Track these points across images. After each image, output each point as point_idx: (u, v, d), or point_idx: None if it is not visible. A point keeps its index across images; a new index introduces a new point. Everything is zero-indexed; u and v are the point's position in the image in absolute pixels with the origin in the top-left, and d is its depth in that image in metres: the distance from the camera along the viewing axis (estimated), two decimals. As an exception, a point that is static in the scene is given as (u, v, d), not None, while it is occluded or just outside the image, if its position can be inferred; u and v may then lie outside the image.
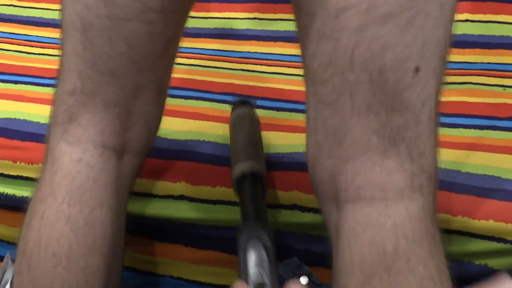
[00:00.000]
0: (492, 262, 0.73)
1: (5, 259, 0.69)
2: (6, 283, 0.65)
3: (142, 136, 0.68)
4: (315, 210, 0.76)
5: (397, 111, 0.54)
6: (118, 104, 0.64)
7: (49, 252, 0.60)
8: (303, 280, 0.69)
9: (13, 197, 0.84)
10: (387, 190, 0.56)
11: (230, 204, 0.79)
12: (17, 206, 0.83)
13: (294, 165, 0.81)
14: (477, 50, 1.09)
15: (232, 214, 0.78)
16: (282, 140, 0.86)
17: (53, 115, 0.65)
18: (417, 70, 0.53)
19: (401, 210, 0.55)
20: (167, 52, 0.65)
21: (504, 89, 0.99)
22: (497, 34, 1.11)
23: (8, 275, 0.66)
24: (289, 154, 0.83)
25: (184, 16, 0.65)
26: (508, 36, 1.10)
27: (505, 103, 0.95)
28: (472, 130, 0.88)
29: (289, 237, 0.78)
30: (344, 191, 0.57)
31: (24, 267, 0.61)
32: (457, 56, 1.05)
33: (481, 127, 0.89)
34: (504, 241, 0.72)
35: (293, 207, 0.78)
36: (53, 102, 0.66)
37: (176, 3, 0.60)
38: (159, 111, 0.71)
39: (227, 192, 0.78)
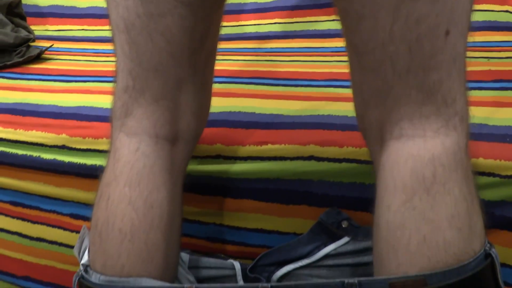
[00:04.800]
0: (484, 194, 0.69)
1: (82, 230, 0.68)
2: (85, 249, 0.65)
3: (191, 125, 0.65)
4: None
5: (432, 69, 0.53)
6: (165, 97, 0.61)
7: (116, 229, 0.59)
8: (344, 224, 0.70)
9: (85, 165, 0.84)
10: (426, 129, 0.54)
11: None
12: (89, 173, 0.84)
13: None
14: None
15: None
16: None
17: (113, 110, 0.63)
18: (447, 33, 0.51)
19: (438, 144, 0.54)
20: (203, 47, 0.62)
21: (488, 60, 0.95)
22: (480, 19, 1.09)
23: (86, 243, 0.65)
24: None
25: (213, 13, 0.61)
26: (489, 20, 1.08)
27: (489, 69, 0.91)
28: None
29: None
30: (389, 132, 0.56)
31: (97, 240, 0.61)
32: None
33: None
34: (494, 175, 0.68)
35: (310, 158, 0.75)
36: (112, 98, 0.63)
37: None
38: (204, 101, 0.67)
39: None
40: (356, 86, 0.58)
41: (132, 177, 0.60)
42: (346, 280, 0.54)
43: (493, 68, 0.92)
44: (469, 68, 0.90)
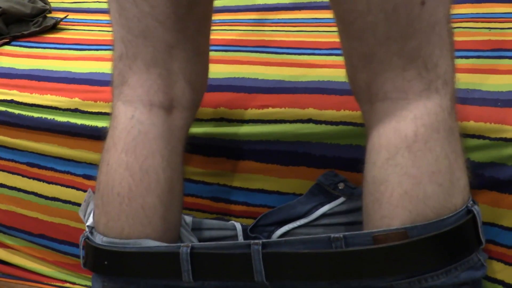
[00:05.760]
0: (474, 156, 0.70)
1: (87, 193, 0.70)
2: (91, 212, 0.67)
3: (186, 92, 0.65)
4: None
5: (411, 36, 0.55)
6: (157, 64, 0.62)
7: (115, 192, 0.61)
8: (341, 185, 0.72)
9: (96, 127, 0.87)
10: (408, 92, 0.56)
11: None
12: (100, 135, 0.84)
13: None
14: (467, 4, 1.07)
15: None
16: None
17: (112, 79, 0.65)
18: (423, 3, 0.53)
19: (420, 106, 0.56)
20: (192, 13, 0.62)
21: (490, 30, 0.96)
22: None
23: (92, 206, 0.68)
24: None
25: None
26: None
27: (489, 39, 0.92)
28: (461, 59, 0.86)
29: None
30: (375, 95, 0.58)
31: (99, 202, 0.63)
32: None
33: (467, 57, 0.86)
34: (483, 137, 0.70)
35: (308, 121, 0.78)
36: (111, 67, 0.65)
37: None
38: (199, 69, 0.67)
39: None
40: (345, 52, 0.61)
41: (129, 143, 0.61)
42: (332, 235, 0.56)
43: (493, 38, 0.92)
44: (469, 38, 0.93)
